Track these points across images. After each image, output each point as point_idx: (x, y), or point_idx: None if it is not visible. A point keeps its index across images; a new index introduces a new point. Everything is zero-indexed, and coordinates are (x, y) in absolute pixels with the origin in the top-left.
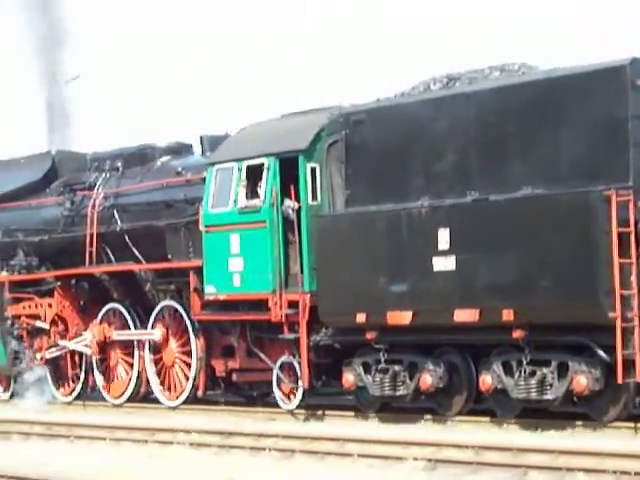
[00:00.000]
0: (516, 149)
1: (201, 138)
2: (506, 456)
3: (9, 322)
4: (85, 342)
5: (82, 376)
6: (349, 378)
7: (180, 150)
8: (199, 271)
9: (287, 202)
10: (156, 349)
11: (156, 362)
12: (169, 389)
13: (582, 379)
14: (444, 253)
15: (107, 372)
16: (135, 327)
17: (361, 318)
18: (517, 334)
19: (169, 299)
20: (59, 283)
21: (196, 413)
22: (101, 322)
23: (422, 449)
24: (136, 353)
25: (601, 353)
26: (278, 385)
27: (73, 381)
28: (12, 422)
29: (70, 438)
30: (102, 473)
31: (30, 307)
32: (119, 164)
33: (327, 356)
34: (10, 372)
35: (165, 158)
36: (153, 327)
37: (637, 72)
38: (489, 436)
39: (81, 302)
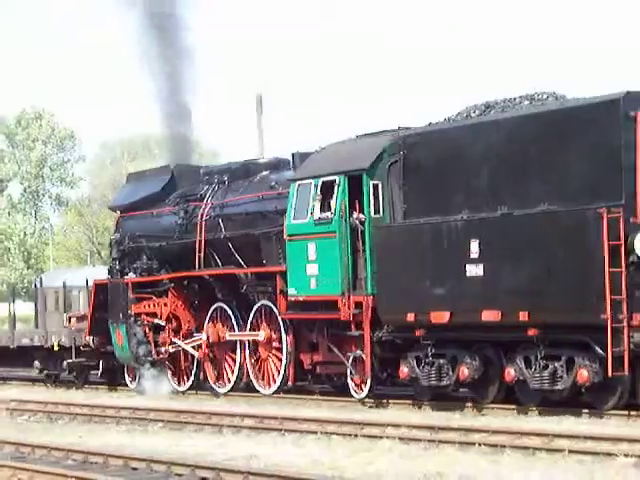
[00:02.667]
0: (536, 170)
1: (292, 155)
2: None
3: (132, 319)
4: (198, 342)
5: (194, 369)
6: (404, 370)
7: (278, 165)
8: (285, 275)
9: (355, 215)
10: (254, 344)
11: (254, 356)
12: (264, 379)
13: (584, 372)
14: (474, 261)
15: (215, 365)
16: (238, 324)
17: (410, 317)
18: (531, 332)
19: (266, 300)
20: (173, 284)
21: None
22: (214, 323)
23: (632, 445)
24: (238, 348)
25: (598, 349)
26: (351, 376)
27: (187, 373)
28: (223, 415)
29: (281, 431)
30: (313, 466)
31: (149, 306)
32: (226, 177)
33: (391, 351)
34: (134, 365)
35: (265, 173)
36: (252, 325)
37: (630, 104)
38: None
39: (193, 302)
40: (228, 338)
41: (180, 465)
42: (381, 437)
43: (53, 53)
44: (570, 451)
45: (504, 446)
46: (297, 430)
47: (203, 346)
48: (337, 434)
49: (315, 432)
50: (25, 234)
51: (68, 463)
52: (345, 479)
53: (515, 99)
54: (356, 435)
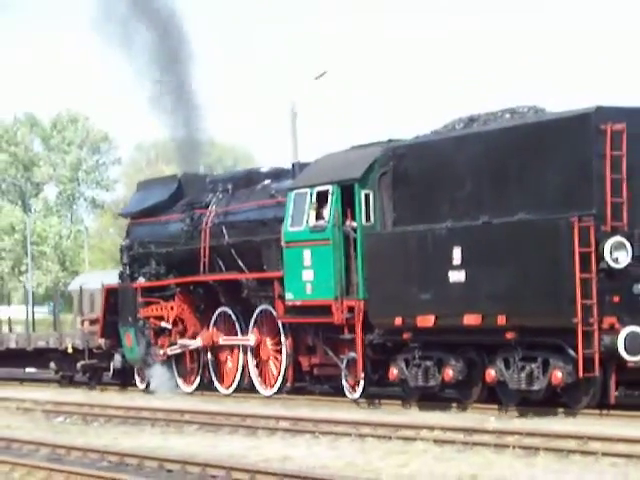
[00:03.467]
0: (515, 180)
1: (293, 165)
2: None
3: (141, 322)
4: (195, 346)
5: (200, 370)
6: (394, 372)
7: (279, 174)
8: (283, 280)
9: (347, 223)
10: (255, 347)
11: (255, 358)
12: (264, 381)
13: (558, 373)
14: (457, 267)
15: (219, 367)
16: (240, 328)
17: (398, 321)
18: (509, 335)
19: (267, 304)
20: (179, 289)
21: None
22: (211, 327)
23: None
24: (240, 351)
25: (570, 351)
26: (346, 378)
27: (193, 374)
28: (258, 417)
29: (315, 434)
30: (347, 469)
31: (157, 310)
32: (229, 186)
33: (383, 353)
34: (142, 365)
35: (267, 181)
36: (254, 331)
37: (601, 118)
38: None
39: (199, 305)
40: (221, 342)
41: (215, 467)
42: (415, 439)
43: (87, 56)
44: (604, 454)
45: (538, 448)
46: (331, 432)
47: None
48: (371, 436)
49: (349, 434)
50: (60, 237)
51: (103, 465)
52: None
53: (497, 112)
54: (390, 437)
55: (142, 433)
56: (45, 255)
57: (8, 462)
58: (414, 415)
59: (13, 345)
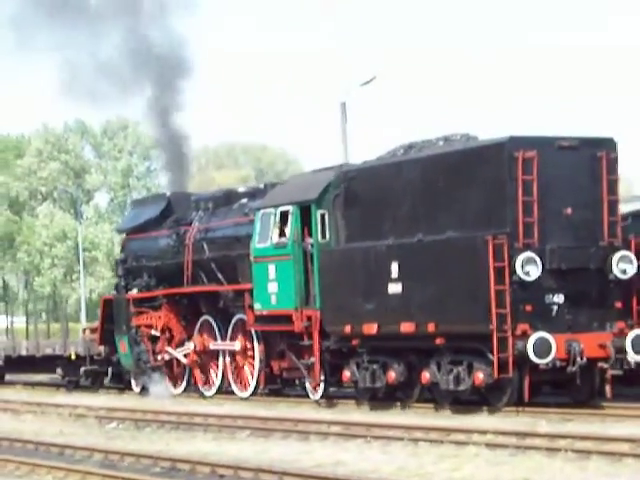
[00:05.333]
0: (445, 201)
1: (265, 185)
2: None
3: (133, 331)
4: (188, 350)
5: (186, 374)
6: (347, 374)
7: (256, 193)
8: (252, 292)
9: (307, 240)
10: (233, 353)
11: (232, 363)
12: (241, 384)
13: (480, 375)
14: (395, 280)
15: (203, 371)
16: (220, 335)
17: (348, 329)
18: (439, 341)
19: (242, 313)
20: (165, 300)
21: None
22: (201, 334)
23: None
24: (221, 357)
25: (489, 355)
26: (308, 380)
27: (180, 378)
28: (310, 422)
29: (367, 438)
30: (399, 473)
31: (147, 319)
32: (210, 205)
33: (339, 358)
34: (135, 371)
35: (243, 200)
36: (232, 338)
37: (514, 146)
38: None
39: (185, 315)
40: (211, 347)
41: (267, 472)
42: (467, 443)
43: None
44: None
45: (590, 452)
46: (383, 436)
47: (192, 353)
48: (424, 440)
49: (401, 438)
50: (112, 243)
51: (156, 470)
52: None
53: (433, 140)
54: (442, 441)
55: (194, 439)
56: (97, 262)
57: (62, 468)
58: (465, 419)
59: (24, 352)
